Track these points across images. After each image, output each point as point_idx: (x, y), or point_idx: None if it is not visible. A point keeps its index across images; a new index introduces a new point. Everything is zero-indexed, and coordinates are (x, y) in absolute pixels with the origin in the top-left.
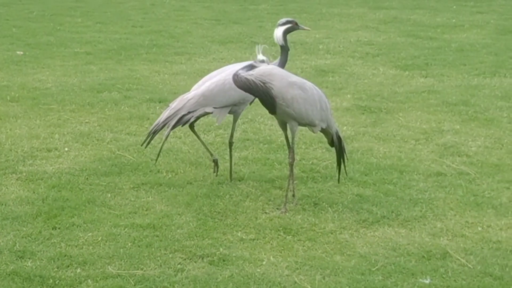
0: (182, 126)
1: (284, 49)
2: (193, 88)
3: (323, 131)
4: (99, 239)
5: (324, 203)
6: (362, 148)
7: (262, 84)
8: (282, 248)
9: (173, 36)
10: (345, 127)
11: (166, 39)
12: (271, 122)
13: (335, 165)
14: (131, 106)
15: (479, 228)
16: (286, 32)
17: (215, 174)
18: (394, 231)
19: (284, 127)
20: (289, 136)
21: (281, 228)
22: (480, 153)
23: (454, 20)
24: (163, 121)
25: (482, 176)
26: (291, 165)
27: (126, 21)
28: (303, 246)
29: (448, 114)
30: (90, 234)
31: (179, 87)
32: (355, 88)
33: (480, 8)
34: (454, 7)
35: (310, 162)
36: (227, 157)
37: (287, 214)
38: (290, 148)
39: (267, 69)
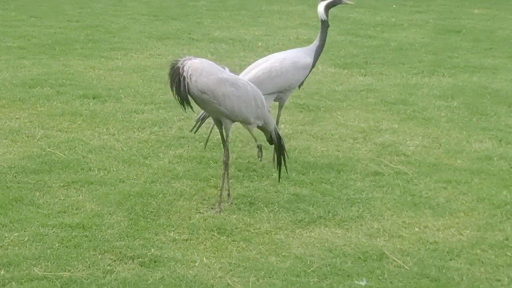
0: None
1: (325, 24)
2: (240, 75)
3: (260, 128)
4: (26, 239)
5: (260, 203)
6: (299, 146)
7: (183, 78)
8: (216, 249)
9: (110, 31)
10: (282, 125)
11: (102, 34)
12: (208, 120)
13: (271, 164)
14: (64, 102)
15: (416, 229)
16: (328, 7)
17: (259, 159)
18: (330, 232)
19: (219, 125)
20: (224, 133)
21: (215, 228)
22: (418, 152)
23: (393, 19)
24: None
25: (419, 176)
26: (226, 163)
27: (62, 15)
28: (237, 247)
29: (387, 113)
30: (16, 234)
31: (114, 83)
32: None
33: (419, 8)
34: (394, 6)
35: (247, 161)
36: (161, 155)
37: (221, 214)
38: (225, 146)
39: (197, 63)
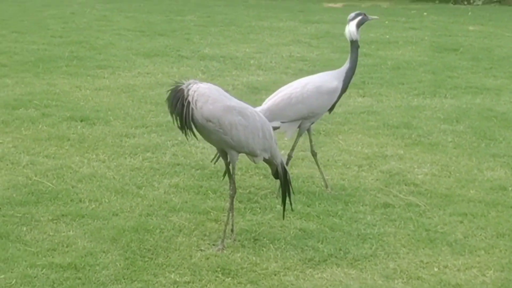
0: None
1: (355, 45)
2: (264, 102)
3: (266, 161)
4: (13, 282)
5: (265, 239)
6: (302, 175)
7: (187, 103)
8: None
9: (95, 47)
10: (283, 151)
11: (87, 51)
12: (203, 145)
13: (274, 194)
14: (50, 125)
15: (435, 269)
16: (358, 26)
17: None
18: (343, 272)
19: (224, 155)
20: (230, 165)
21: (219, 269)
22: (428, 181)
23: (387, 36)
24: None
25: (432, 208)
26: (232, 197)
27: (45, 30)
28: None
29: (390, 138)
30: (2, 276)
31: (102, 104)
32: None
33: (413, 24)
34: (387, 22)
35: (247, 191)
36: (156, 184)
37: (224, 251)
38: (231, 178)
39: (203, 89)
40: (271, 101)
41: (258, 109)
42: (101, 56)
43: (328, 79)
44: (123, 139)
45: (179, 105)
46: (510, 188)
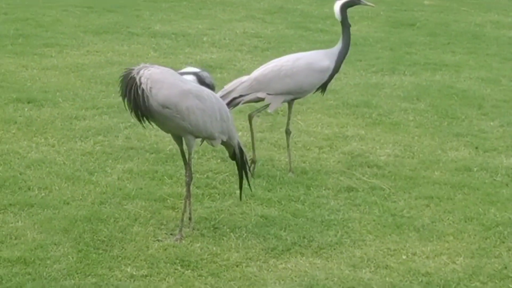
0: (232, 108)
1: (345, 25)
2: (252, 73)
3: (223, 144)
4: None
5: (225, 227)
6: (261, 157)
7: (141, 90)
8: (181, 286)
9: (42, 25)
10: (240, 133)
11: (33, 29)
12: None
13: (233, 178)
14: None
15: (404, 257)
16: (345, 7)
17: (251, 174)
18: (308, 262)
19: (179, 141)
20: (186, 151)
21: (177, 261)
22: (391, 163)
23: None
24: None
25: (397, 191)
26: (188, 184)
27: None
28: (205, 284)
29: (351, 117)
30: None
31: (50, 84)
32: None
33: None
34: None
35: (205, 176)
36: (109, 170)
37: (183, 241)
38: (187, 165)
39: (157, 74)
40: (259, 71)
41: (244, 78)
42: (48, 33)
43: (320, 58)
44: (73, 122)
45: (133, 94)
46: (475, 169)
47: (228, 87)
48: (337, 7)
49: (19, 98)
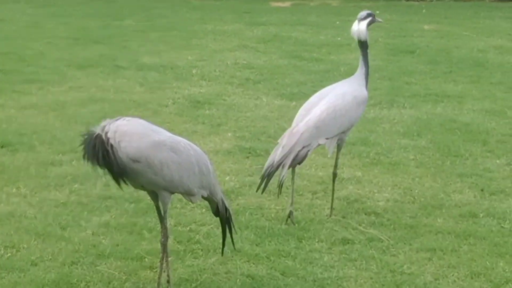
0: (299, 164)
1: (365, 45)
2: (296, 120)
3: (205, 199)
4: None
5: None
6: (249, 205)
7: (110, 146)
8: None
9: (23, 59)
10: (227, 177)
11: (14, 63)
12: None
13: (218, 231)
14: None
15: None
16: (368, 26)
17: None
18: None
19: (154, 197)
20: (161, 208)
21: None
22: (390, 209)
23: (339, 38)
24: (278, 161)
25: (396, 242)
26: (164, 245)
27: None
28: None
29: (347, 157)
30: None
31: (27, 125)
32: (236, 124)
33: None
34: (338, 22)
35: (188, 228)
36: (84, 223)
37: None
38: (163, 224)
39: (123, 125)
40: (314, 116)
41: (300, 128)
42: (29, 68)
43: (358, 88)
44: (49, 168)
45: (102, 153)
46: (481, 215)
47: (285, 142)
48: (363, 26)
49: None
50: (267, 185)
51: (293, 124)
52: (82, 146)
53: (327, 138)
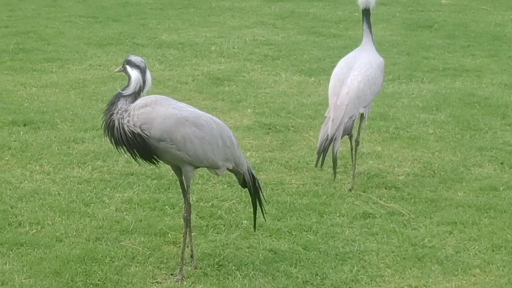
0: (348, 135)
1: (369, 14)
2: (333, 91)
3: (231, 171)
4: None
5: (230, 264)
6: (271, 181)
7: (137, 134)
8: None
9: (43, 38)
10: (248, 153)
11: (35, 42)
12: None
13: (240, 206)
14: None
15: None
16: None
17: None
18: None
19: (178, 172)
20: (184, 183)
21: None
22: (410, 183)
23: (356, 14)
24: (332, 134)
25: (417, 216)
26: (187, 220)
27: None
28: None
29: (366, 132)
30: None
31: (48, 103)
32: (255, 100)
33: None
34: None
35: (210, 204)
36: (107, 200)
37: (184, 282)
38: (186, 198)
39: (146, 110)
40: (353, 88)
41: (343, 100)
42: (49, 47)
43: (377, 55)
44: (71, 146)
45: (129, 139)
46: (501, 188)
47: (333, 115)
48: None
49: (15, 121)
50: (324, 160)
51: (331, 96)
52: (105, 130)
53: (364, 107)
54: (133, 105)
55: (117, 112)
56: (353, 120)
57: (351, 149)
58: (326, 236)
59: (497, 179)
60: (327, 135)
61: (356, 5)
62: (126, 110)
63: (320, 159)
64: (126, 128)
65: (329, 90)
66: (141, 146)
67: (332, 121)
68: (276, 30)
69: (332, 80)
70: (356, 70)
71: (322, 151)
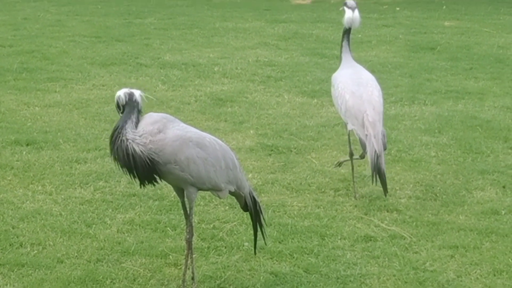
0: (384, 149)
1: (349, 32)
2: (358, 109)
3: (232, 194)
4: None
5: (231, 287)
6: (272, 203)
7: (149, 160)
8: None
9: (47, 57)
10: (250, 174)
11: (38, 61)
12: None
13: (241, 228)
14: None
15: None
16: None
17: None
18: None
19: (180, 193)
20: (187, 205)
21: None
22: (412, 206)
23: (359, 35)
24: (378, 151)
25: (419, 239)
26: (189, 242)
27: None
28: None
29: None
30: None
31: (51, 123)
32: (258, 121)
33: (386, 21)
34: None
35: (211, 226)
36: (108, 221)
37: None
38: (188, 220)
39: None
40: (378, 104)
41: (373, 117)
42: (53, 66)
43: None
44: (73, 166)
45: (141, 164)
46: (503, 212)
47: (372, 132)
48: (357, 14)
49: (18, 140)
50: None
51: (356, 113)
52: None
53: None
54: (145, 129)
55: (128, 137)
56: (384, 135)
57: (352, 169)
58: (327, 259)
59: (499, 202)
60: (375, 151)
61: (359, 27)
62: (140, 136)
63: (374, 177)
64: (141, 155)
65: (350, 107)
66: (146, 169)
67: (374, 137)
68: (279, 51)
69: (352, 97)
70: (370, 86)
71: (376, 170)
